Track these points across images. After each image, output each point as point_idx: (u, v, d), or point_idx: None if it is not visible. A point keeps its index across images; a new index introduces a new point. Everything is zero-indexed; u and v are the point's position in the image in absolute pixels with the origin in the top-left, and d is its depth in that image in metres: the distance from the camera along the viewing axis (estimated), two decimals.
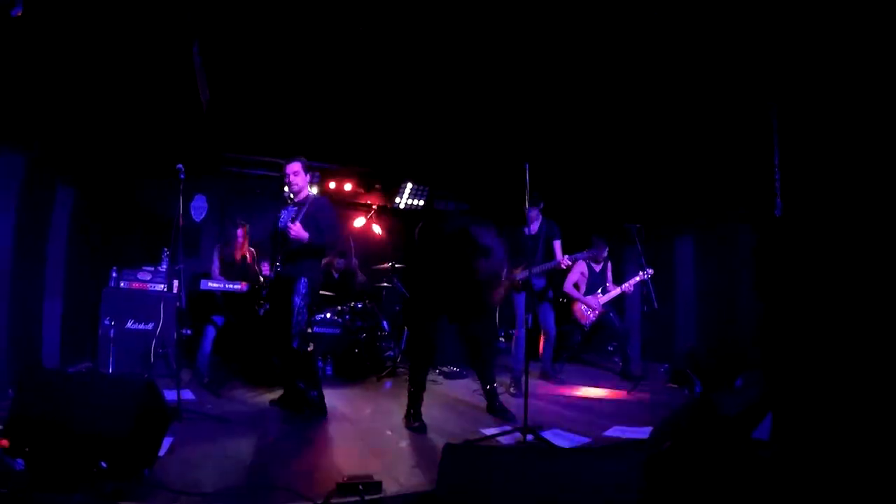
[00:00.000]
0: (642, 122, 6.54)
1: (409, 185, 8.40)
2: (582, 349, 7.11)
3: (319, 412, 4.30)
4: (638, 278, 6.19)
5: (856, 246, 4.23)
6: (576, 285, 6.64)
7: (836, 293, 4.33)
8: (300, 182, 4.61)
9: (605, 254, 6.58)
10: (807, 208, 4.77)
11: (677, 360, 5.84)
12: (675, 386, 5.58)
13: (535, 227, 5.72)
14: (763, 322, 5.24)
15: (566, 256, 5.53)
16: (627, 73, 5.51)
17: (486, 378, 4.49)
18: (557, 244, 5.74)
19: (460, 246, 4.24)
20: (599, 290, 6.52)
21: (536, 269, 5.54)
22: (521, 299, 5.48)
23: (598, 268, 6.65)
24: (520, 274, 5.40)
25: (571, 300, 6.65)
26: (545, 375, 5.99)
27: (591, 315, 6.50)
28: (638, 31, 4.73)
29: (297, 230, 4.28)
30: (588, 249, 5.78)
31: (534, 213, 5.66)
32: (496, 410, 4.39)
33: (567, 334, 6.79)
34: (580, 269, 6.66)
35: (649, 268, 6.11)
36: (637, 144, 7.04)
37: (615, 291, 6.44)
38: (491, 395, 4.45)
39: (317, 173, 6.71)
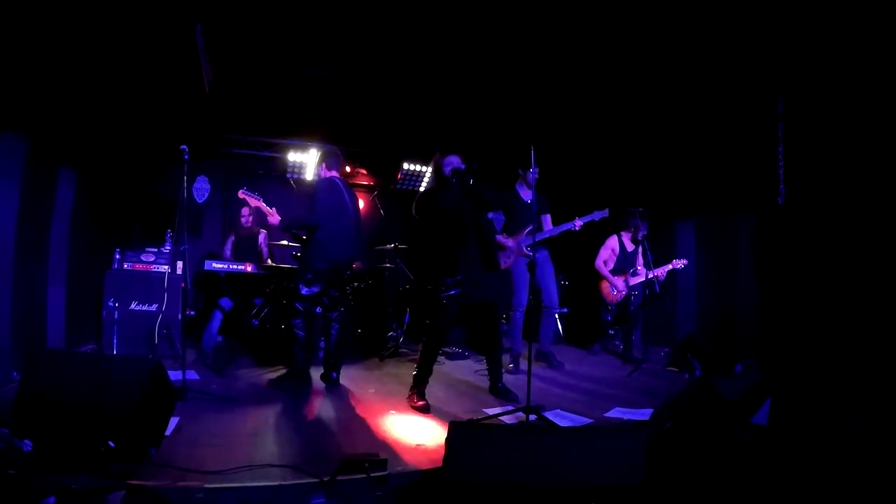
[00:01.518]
0: (647, 108, 6.51)
1: (412, 167, 8.38)
2: (611, 327, 7.10)
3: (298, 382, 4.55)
4: (671, 266, 6.17)
5: (857, 234, 4.25)
6: (604, 263, 6.63)
7: (836, 281, 4.36)
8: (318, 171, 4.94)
9: (641, 235, 6.25)
10: (809, 197, 4.78)
11: (677, 345, 5.87)
12: (676, 370, 5.61)
13: (529, 195, 5.55)
14: (761, 309, 5.27)
15: (577, 219, 5.39)
16: (633, 59, 5.48)
17: (493, 358, 4.49)
18: (547, 218, 5.73)
19: (461, 212, 4.27)
20: (630, 272, 6.50)
21: (545, 235, 5.52)
22: (521, 277, 5.50)
23: (630, 248, 6.60)
24: (523, 239, 5.33)
25: (599, 277, 6.66)
26: (543, 357, 5.78)
27: (618, 295, 6.50)
28: (644, 16, 4.70)
29: (271, 217, 4.85)
30: (597, 211, 5.49)
31: (532, 177, 5.46)
32: (499, 391, 4.41)
33: (596, 315, 6.83)
34: (612, 245, 6.62)
35: (683, 258, 6.17)
36: (641, 129, 7.02)
37: (641, 276, 6.36)
38: (495, 376, 4.47)
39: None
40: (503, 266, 5.27)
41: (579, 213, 5.49)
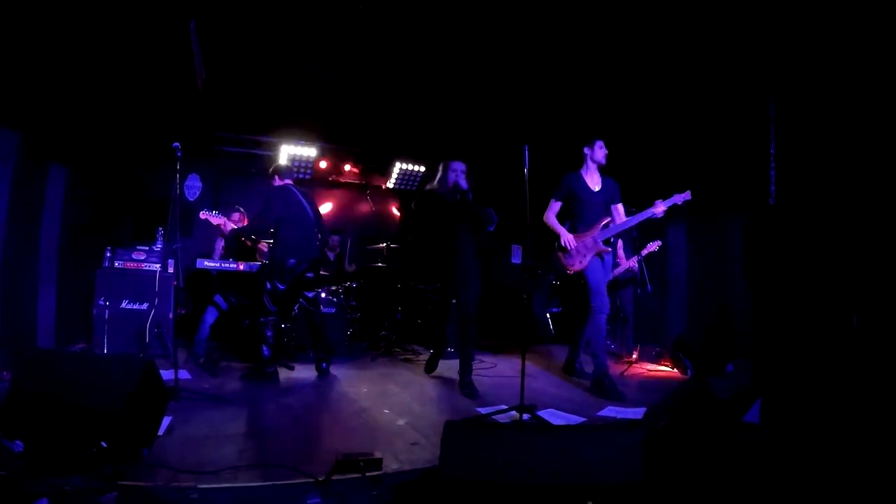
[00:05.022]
0: (639, 110, 6.53)
1: (405, 166, 8.37)
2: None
3: (263, 379, 4.73)
4: (647, 250, 6.10)
5: (848, 235, 4.29)
6: None
7: (825, 281, 4.40)
8: None
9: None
10: (800, 199, 4.82)
11: (669, 344, 5.89)
12: (668, 369, 5.64)
13: (597, 181, 4.85)
14: (753, 309, 5.30)
15: (660, 201, 4.63)
16: (626, 62, 5.50)
17: (465, 354, 4.62)
18: (619, 208, 4.94)
19: (459, 214, 4.62)
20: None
21: (624, 226, 4.79)
22: (598, 276, 4.70)
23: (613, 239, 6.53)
24: (599, 235, 4.70)
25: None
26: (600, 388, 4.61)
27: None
28: (638, 20, 4.72)
29: (224, 227, 5.52)
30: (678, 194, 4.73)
31: (601, 154, 4.77)
32: (464, 385, 4.53)
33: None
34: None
35: (657, 240, 6.05)
36: (633, 132, 7.03)
37: (626, 265, 6.33)
38: (464, 371, 4.58)
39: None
40: (575, 269, 4.73)
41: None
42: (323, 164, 7.98)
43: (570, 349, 5.39)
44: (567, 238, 4.72)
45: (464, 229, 4.69)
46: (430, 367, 5.19)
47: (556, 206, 4.86)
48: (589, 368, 4.96)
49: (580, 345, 5.30)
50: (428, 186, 4.88)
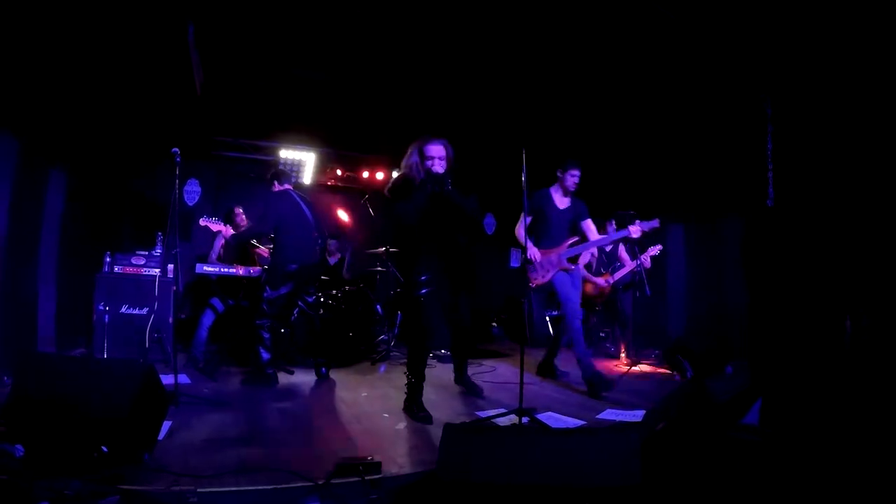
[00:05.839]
0: (637, 112, 6.55)
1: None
2: (597, 329, 7.14)
3: (262, 382, 4.74)
4: (649, 253, 6.13)
5: (844, 238, 4.30)
6: (587, 266, 6.63)
7: (824, 282, 4.41)
8: None
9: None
10: (798, 199, 4.83)
11: (668, 347, 5.89)
12: (667, 372, 5.65)
13: (565, 201, 5.09)
14: (750, 311, 5.31)
15: (638, 223, 4.77)
16: (625, 64, 5.52)
17: (460, 359, 4.60)
18: (589, 225, 5.08)
19: (435, 210, 3.87)
20: (610, 269, 6.51)
21: (592, 245, 5.09)
22: (567, 285, 4.88)
23: (608, 247, 6.61)
24: (565, 253, 4.89)
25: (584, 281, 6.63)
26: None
27: (605, 290, 6.50)
28: (637, 22, 4.74)
29: (225, 232, 5.37)
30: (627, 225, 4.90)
31: (571, 181, 4.95)
32: (462, 383, 4.56)
33: (586, 318, 6.80)
34: (591, 249, 6.60)
35: (658, 244, 6.12)
36: (631, 133, 7.06)
37: (628, 267, 6.34)
38: (460, 370, 4.57)
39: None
40: (538, 282, 4.96)
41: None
42: (322, 168, 7.99)
43: (548, 350, 5.56)
44: (532, 251, 4.94)
45: (443, 228, 3.95)
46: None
47: (526, 220, 4.66)
48: (565, 367, 5.38)
49: (558, 347, 5.52)
50: (403, 172, 4.04)
